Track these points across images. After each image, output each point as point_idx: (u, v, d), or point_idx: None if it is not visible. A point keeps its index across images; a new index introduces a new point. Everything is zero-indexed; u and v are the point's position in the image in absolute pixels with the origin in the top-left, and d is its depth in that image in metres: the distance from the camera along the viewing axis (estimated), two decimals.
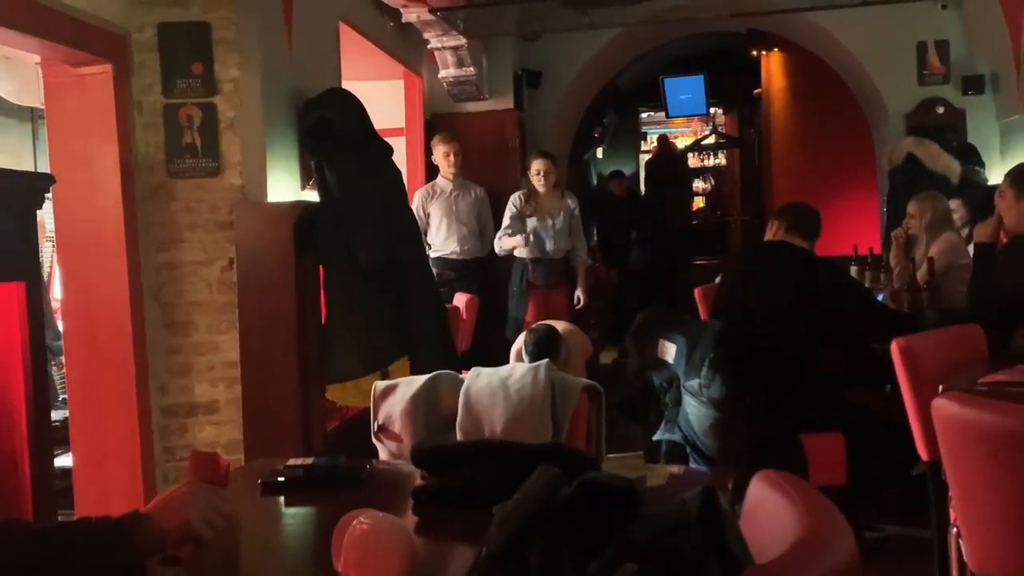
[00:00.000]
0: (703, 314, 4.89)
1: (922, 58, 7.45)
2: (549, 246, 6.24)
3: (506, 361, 4.37)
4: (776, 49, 10.30)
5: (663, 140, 12.22)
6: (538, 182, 6.24)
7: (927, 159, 6.63)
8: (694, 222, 12.31)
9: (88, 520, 1.32)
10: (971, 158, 6.85)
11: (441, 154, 6.50)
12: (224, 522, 1.37)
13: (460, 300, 6.06)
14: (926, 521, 3.14)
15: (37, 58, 3.79)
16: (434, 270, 5.56)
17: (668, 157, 11.99)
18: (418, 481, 1.84)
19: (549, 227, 6.24)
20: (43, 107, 4.03)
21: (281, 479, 1.90)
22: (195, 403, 4.03)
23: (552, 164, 6.31)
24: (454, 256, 6.49)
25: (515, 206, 6.27)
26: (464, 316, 5.92)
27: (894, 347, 2.93)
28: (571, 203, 6.36)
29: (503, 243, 6.25)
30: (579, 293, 6.37)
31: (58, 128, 3.85)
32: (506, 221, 6.26)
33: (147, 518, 1.31)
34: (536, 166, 6.25)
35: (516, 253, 6.24)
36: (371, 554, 1.29)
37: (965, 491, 2.26)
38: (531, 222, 6.23)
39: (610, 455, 3.39)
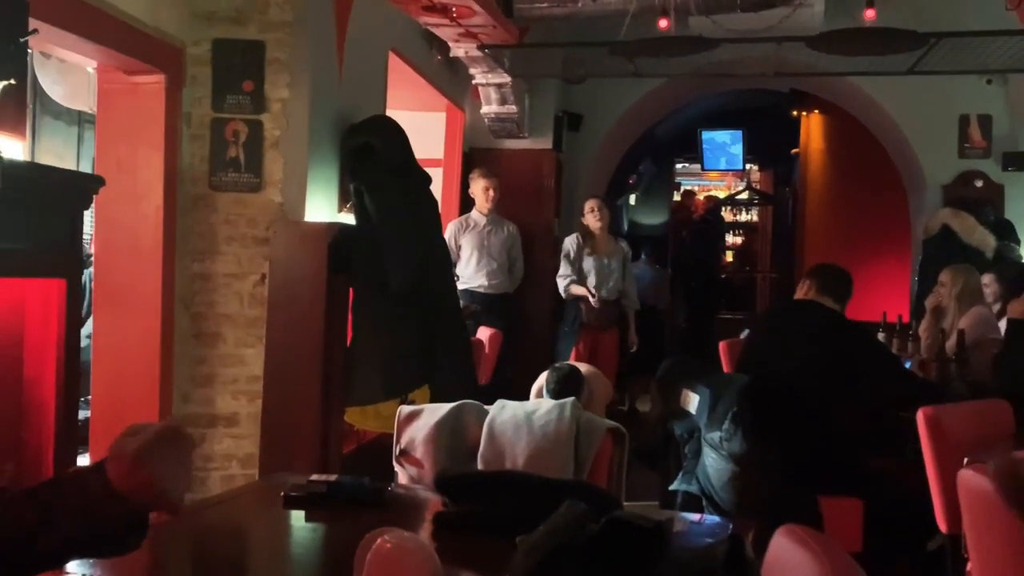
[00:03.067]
0: (726, 367, 4.88)
1: (964, 131, 7.44)
2: (607, 285, 6.38)
3: (525, 399, 4.36)
4: (817, 110, 10.32)
5: (685, 195, 12.50)
6: (592, 219, 6.44)
7: (963, 231, 6.61)
8: (722, 276, 12.31)
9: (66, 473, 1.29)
10: (1007, 234, 6.82)
11: (480, 188, 6.54)
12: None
13: (484, 334, 6.07)
14: None
15: (91, 63, 3.87)
16: (461, 302, 5.59)
17: (683, 207, 12.17)
18: (438, 507, 1.84)
19: (606, 267, 6.42)
20: (92, 111, 4.10)
21: (303, 493, 1.91)
22: (216, 414, 4.05)
23: (605, 204, 6.63)
24: (482, 289, 6.50)
25: (571, 249, 6.44)
26: (487, 350, 5.92)
27: (921, 416, 2.91)
28: (625, 247, 6.66)
29: (571, 289, 6.39)
30: (632, 337, 6.57)
31: (107, 133, 3.92)
32: (563, 266, 6.42)
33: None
34: (590, 204, 6.53)
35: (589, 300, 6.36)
36: (395, 573, 1.29)
37: (986, 564, 2.24)
38: (589, 261, 6.40)
39: (625, 503, 3.37)
